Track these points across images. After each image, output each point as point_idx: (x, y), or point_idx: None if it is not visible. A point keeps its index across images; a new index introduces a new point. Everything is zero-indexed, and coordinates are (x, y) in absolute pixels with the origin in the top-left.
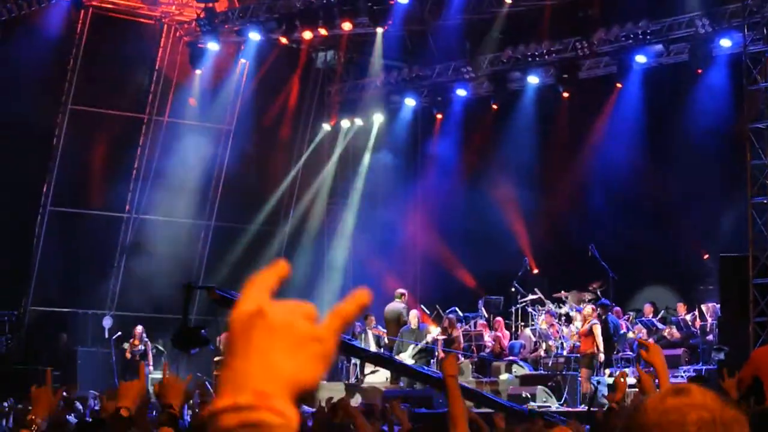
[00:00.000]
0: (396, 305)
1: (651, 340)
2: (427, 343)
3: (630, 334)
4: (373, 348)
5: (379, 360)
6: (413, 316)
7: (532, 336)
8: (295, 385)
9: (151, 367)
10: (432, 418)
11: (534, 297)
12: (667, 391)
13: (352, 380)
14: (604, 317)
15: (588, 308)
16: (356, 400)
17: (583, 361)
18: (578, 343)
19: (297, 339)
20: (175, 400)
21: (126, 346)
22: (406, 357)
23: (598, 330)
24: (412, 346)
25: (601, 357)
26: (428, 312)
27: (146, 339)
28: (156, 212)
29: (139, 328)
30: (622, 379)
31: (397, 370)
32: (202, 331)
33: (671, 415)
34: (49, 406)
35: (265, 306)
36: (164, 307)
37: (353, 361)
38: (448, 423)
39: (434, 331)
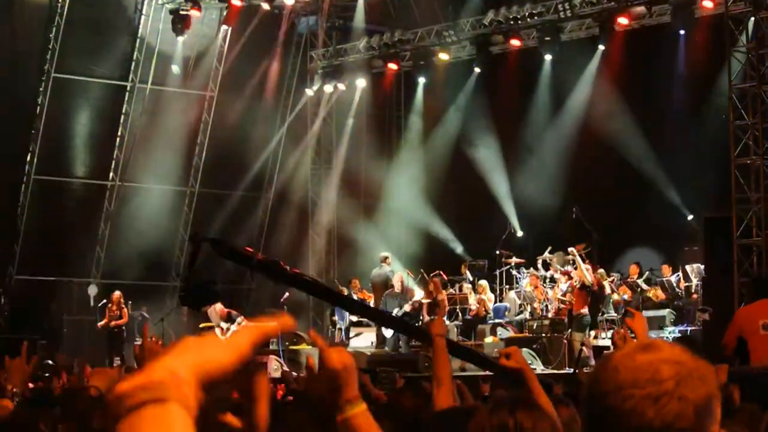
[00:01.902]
0: (381, 270)
1: (636, 310)
2: (412, 306)
3: (615, 296)
4: None
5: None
6: (397, 280)
7: (516, 299)
8: (202, 365)
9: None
10: (421, 382)
11: (518, 260)
12: (635, 348)
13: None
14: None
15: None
16: None
17: (575, 324)
18: (562, 306)
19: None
20: None
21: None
22: None
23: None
24: (396, 309)
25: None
26: (413, 276)
27: (123, 305)
28: (140, 179)
29: (117, 294)
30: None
31: (395, 326)
32: (212, 286)
33: (645, 372)
34: (23, 376)
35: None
36: (149, 274)
37: (338, 325)
38: (432, 382)
39: (419, 295)
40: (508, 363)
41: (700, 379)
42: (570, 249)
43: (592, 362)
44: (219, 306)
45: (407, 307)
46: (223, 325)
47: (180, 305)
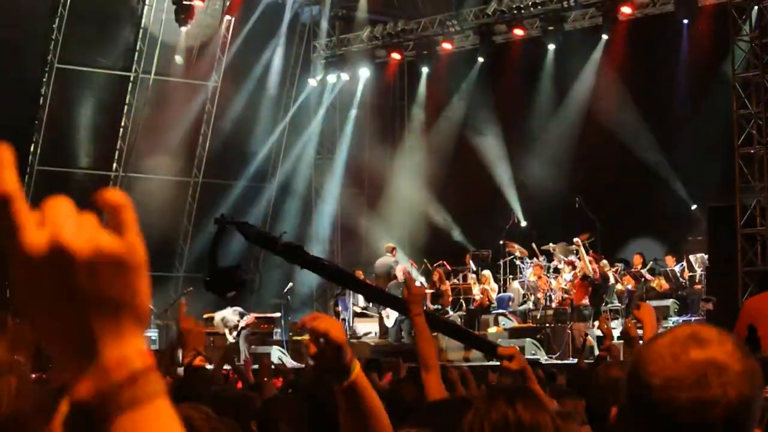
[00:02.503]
0: (386, 260)
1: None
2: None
3: (618, 286)
4: (361, 302)
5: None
6: (399, 270)
7: (520, 289)
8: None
9: None
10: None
11: (522, 251)
12: (686, 338)
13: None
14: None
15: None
16: None
17: (576, 315)
18: (566, 296)
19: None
20: (200, 345)
21: None
22: (392, 310)
23: (584, 254)
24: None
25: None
26: (416, 266)
27: None
28: (143, 170)
29: None
30: (605, 325)
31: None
32: (240, 271)
33: (693, 373)
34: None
35: (61, 234)
36: (153, 265)
37: (342, 316)
38: (419, 366)
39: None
40: (512, 365)
41: (747, 383)
42: (575, 240)
43: (596, 352)
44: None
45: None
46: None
47: (207, 290)
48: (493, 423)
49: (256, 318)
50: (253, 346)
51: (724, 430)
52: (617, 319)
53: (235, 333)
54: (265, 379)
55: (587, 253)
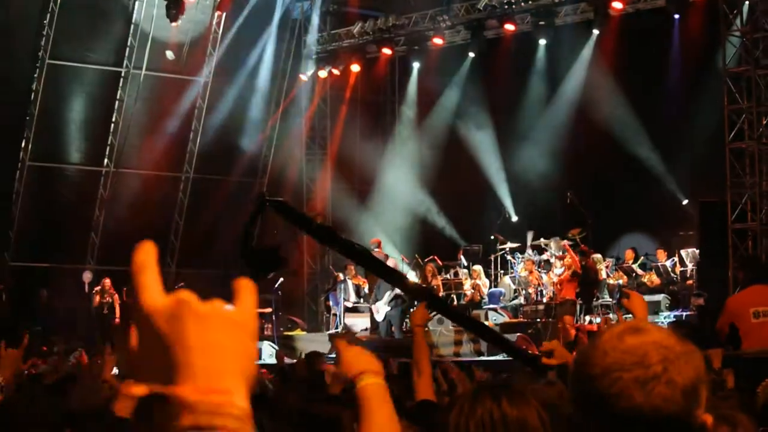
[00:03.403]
0: (377, 255)
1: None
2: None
3: (610, 281)
4: (352, 298)
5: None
6: (390, 265)
7: (511, 284)
8: (246, 374)
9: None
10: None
11: (513, 245)
12: (623, 329)
13: (332, 331)
14: (584, 264)
15: (567, 258)
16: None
17: (565, 308)
18: (556, 291)
19: (229, 324)
20: None
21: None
22: (382, 305)
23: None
24: (387, 293)
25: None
26: (407, 261)
27: (113, 292)
28: (134, 165)
29: (107, 281)
30: (605, 325)
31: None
32: (280, 250)
33: (632, 355)
34: (13, 368)
35: (183, 294)
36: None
37: (333, 311)
38: (412, 371)
39: (412, 278)
40: (551, 361)
41: (688, 363)
42: (563, 242)
43: None
44: None
45: (389, 293)
46: None
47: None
48: (478, 419)
49: None
50: None
51: (669, 412)
52: (608, 314)
53: None
54: None
55: (578, 247)
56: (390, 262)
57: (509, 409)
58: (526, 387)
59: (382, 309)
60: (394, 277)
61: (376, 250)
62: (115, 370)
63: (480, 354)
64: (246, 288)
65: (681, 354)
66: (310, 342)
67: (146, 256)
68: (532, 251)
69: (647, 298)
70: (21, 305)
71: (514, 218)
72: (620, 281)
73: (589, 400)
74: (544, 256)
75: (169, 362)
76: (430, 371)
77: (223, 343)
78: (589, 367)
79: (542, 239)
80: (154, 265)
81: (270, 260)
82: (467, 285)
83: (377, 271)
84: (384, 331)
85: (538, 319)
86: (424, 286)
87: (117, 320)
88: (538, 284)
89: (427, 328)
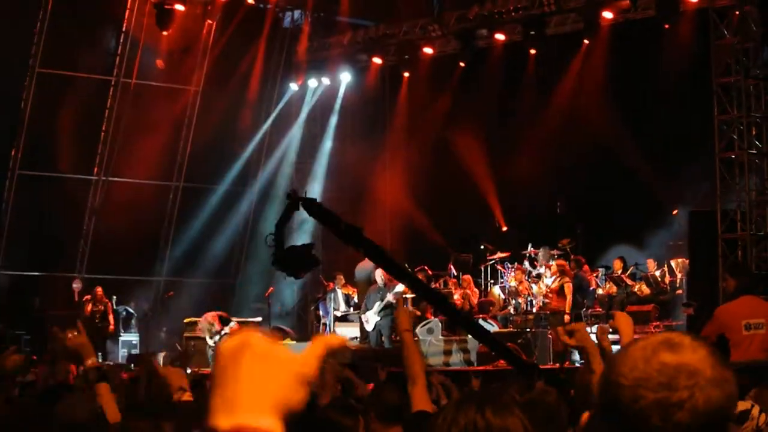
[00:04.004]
0: (365, 264)
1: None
2: (395, 297)
3: (600, 291)
4: (342, 307)
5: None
6: (379, 274)
7: (501, 294)
8: (283, 405)
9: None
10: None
11: (503, 255)
12: (660, 342)
13: None
14: (577, 273)
15: (554, 266)
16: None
17: (555, 319)
18: (547, 300)
19: (281, 363)
20: (182, 381)
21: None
22: (372, 314)
23: (570, 289)
24: (377, 303)
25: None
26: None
27: (105, 300)
28: (124, 174)
29: (99, 290)
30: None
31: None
32: (313, 248)
33: (662, 375)
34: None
35: (251, 337)
36: (134, 269)
37: (322, 320)
38: (407, 380)
39: (399, 287)
40: (570, 341)
41: (717, 389)
42: (553, 252)
43: (576, 356)
44: (212, 313)
45: (390, 297)
46: (215, 328)
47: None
48: (461, 428)
49: (237, 323)
50: None
51: None
52: (597, 323)
53: (216, 338)
54: None
55: (568, 258)
56: (378, 272)
57: (493, 419)
58: (514, 397)
59: (372, 318)
60: (413, 281)
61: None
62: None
63: (470, 364)
64: (322, 344)
65: (711, 380)
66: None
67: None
68: (527, 262)
69: (637, 308)
70: (11, 314)
71: (504, 227)
72: (610, 291)
73: (613, 406)
74: (536, 269)
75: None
76: (424, 379)
77: (263, 377)
78: (619, 376)
79: (531, 248)
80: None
81: (303, 260)
82: (457, 295)
83: (397, 273)
84: (374, 340)
85: (528, 329)
86: (435, 290)
87: (111, 327)
88: (528, 294)
89: (416, 338)
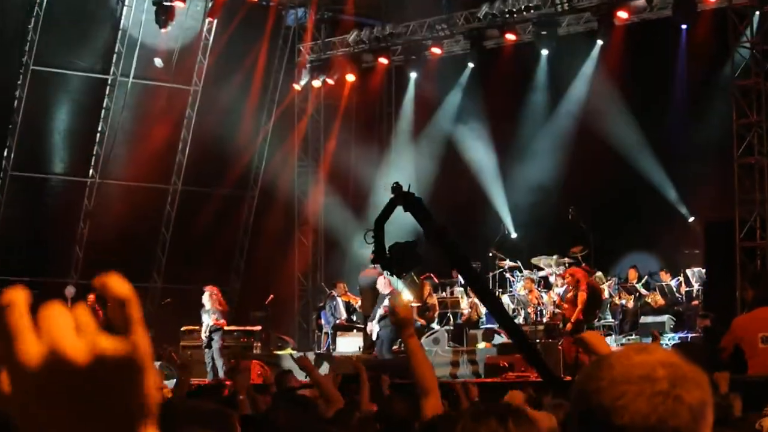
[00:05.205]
0: (370, 272)
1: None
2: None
3: (616, 300)
4: (343, 315)
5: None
6: (381, 283)
7: (510, 303)
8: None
9: None
10: (410, 388)
11: (512, 264)
12: (630, 349)
13: (323, 350)
14: (587, 283)
15: (568, 275)
16: (324, 369)
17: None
18: (558, 311)
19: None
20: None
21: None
22: (375, 324)
23: (582, 298)
24: (378, 312)
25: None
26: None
27: (98, 308)
28: (120, 176)
29: (92, 296)
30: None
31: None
32: (417, 248)
33: (640, 369)
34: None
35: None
36: (130, 276)
37: (324, 329)
38: (418, 392)
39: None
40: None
41: (695, 382)
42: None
43: None
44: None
45: (380, 311)
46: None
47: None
48: None
49: (235, 332)
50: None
51: (675, 426)
52: (611, 335)
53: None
54: (241, 397)
55: (580, 265)
56: (383, 281)
57: (515, 430)
58: (527, 409)
59: (375, 328)
60: (487, 296)
61: (372, 267)
62: None
63: (477, 375)
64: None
65: (688, 373)
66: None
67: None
68: (532, 270)
69: (651, 319)
70: None
71: (514, 234)
72: (623, 301)
73: (592, 413)
74: (543, 273)
75: None
76: (436, 389)
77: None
78: (594, 381)
79: (542, 256)
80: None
81: (407, 258)
82: (464, 303)
83: (471, 281)
84: (379, 350)
85: (538, 340)
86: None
87: None
88: (538, 304)
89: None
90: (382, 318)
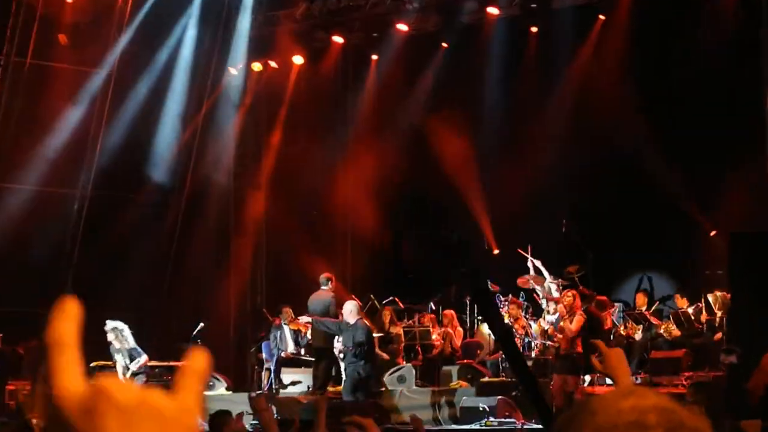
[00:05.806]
0: (322, 295)
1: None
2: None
3: (621, 331)
4: (290, 347)
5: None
6: (348, 311)
7: (491, 334)
8: None
9: None
10: None
11: (493, 286)
12: (615, 393)
13: (265, 390)
14: (585, 308)
15: (568, 296)
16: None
17: (564, 366)
18: (549, 343)
19: (159, 420)
20: None
21: None
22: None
23: (579, 323)
24: (338, 345)
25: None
26: (360, 303)
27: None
28: (16, 180)
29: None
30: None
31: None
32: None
33: (628, 415)
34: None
35: (104, 382)
36: (29, 299)
37: (266, 365)
38: None
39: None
40: (599, 366)
41: (691, 429)
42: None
43: None
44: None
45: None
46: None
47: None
48: None
49: (156, 368)
50: None
51: None
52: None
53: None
54: None
55: (576, 288)
56: (351, 305)
57: None
58: None
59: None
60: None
61: (325, 287)
62: None
63: (456, 421)
64: (193, 371)
65: (686, 421)
66: (232, 404)
67: (65, 326)
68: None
69: (664, 354)
70: None
71: (495, 251)
72: (631, 332)
73: None
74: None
75: None
76: None
77: None
78: (576, 427)
79: (529, 277)
80: (75, 340)
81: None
82: (436, 334)
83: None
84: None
85: None
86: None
87: None
88: (526, 334)
89: (384, 388)
90: (347, 353)
